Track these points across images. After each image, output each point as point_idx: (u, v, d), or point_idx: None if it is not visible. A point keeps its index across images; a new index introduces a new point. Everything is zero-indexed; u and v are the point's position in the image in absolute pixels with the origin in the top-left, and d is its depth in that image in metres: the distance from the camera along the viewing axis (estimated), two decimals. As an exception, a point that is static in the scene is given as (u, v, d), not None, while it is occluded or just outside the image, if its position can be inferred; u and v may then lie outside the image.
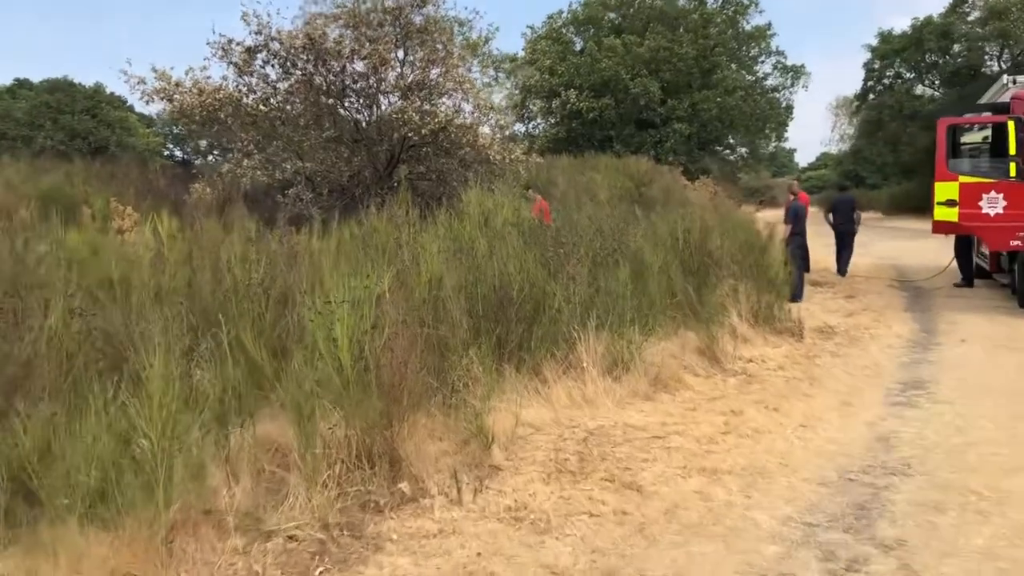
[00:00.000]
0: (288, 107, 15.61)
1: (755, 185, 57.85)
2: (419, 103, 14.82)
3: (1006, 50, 42.12)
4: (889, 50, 45.29)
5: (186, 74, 15.24)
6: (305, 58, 14.90)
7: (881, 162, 50.49)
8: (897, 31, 45.65)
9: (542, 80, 39.21)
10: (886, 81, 47.69)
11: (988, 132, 13.04)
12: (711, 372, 7.32)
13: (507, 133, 16.94)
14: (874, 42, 46.86)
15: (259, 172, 15.43)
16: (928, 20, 43.06)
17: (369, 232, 8.56)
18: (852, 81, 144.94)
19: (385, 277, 5.93)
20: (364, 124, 15.95)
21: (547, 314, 6.71)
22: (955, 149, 12.32)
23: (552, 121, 42.13)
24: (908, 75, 46.94)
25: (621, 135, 40.32)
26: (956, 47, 42.98)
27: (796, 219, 13.02)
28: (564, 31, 44.09)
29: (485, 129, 15.81)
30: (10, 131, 42.55)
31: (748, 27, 43.49)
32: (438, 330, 5.76)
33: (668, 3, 42.87)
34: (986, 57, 42.45)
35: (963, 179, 11.70)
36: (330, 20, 15.37)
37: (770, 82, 45.27)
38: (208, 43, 14.81)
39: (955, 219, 11.67)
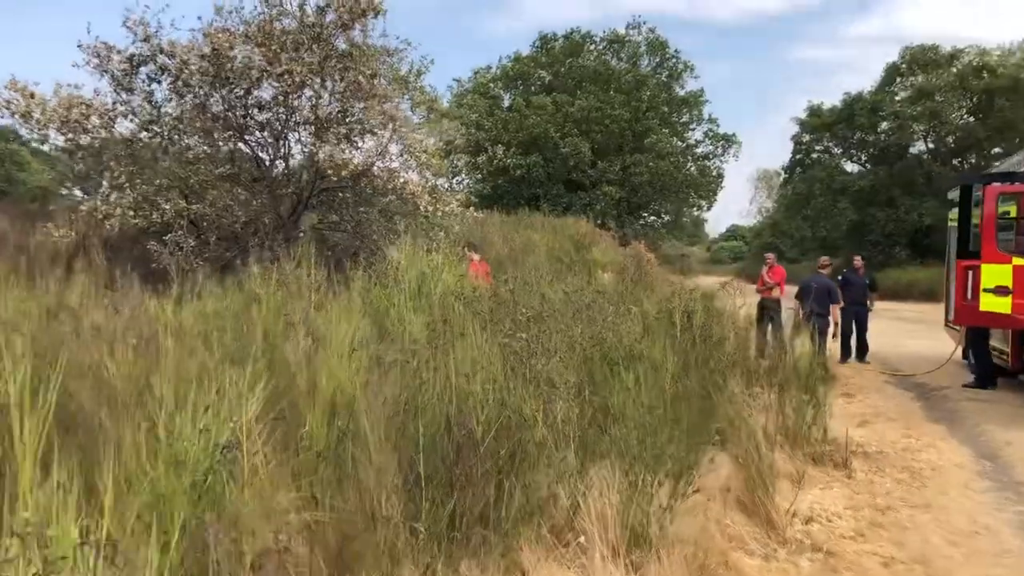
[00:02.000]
0: (175, 135, 12.77)
1: (673, 253, 56.60)
2: (336, 140, 12.20)
3: (932, 130, 42.00)
4: (819, 124, 44.86)
5: (55, 93, 12.29)
6: (201, 77, 12.17)
7: (800, 236, 49.98)
8: (827, 106, 45.32)
9: (468, 134, 37.02)
10: (814, 155, 47.33)
11: (1010, 205, 11.00)
12: (768, 545, 4.78)
13: (439, 182, 14.32)
14: (803, 115, 46.47)
15: (131, 212, 12.50)
16: (859, 96, 42.76)
17: (248, 301, 5.81)
18: (763, 153, 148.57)
19: (251, 400, 3.24)
20: (268, 162, 13.20)
21: (527, 458, 4.09)
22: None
23: (478, 177, 39.96)
24: (836, 150, 46.64)
25: (549, 194, 38.43)
26: (884, 124, 42.68)
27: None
28: (492, 86, 42.26)
29: (414, 175, 13.23)
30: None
31: (682, 92, 42.44)
32: (343, 508, 3.08)
33: (601, 63, 41.56)
34: (914, 136, 42.23)
35: (1018, 261, 9.54)
36: (236, 38, 12.62)
37: (701, 149, 44.23)
38: (80, 46, 11.93)
39: (1008, 311, 9.48)
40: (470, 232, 15.94)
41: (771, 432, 6.77)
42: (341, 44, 13.02)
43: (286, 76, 11.79)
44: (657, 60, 42.59)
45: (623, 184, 39.28)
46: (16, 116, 12.18)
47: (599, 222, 36.08)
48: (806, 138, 46.85)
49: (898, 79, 42.16)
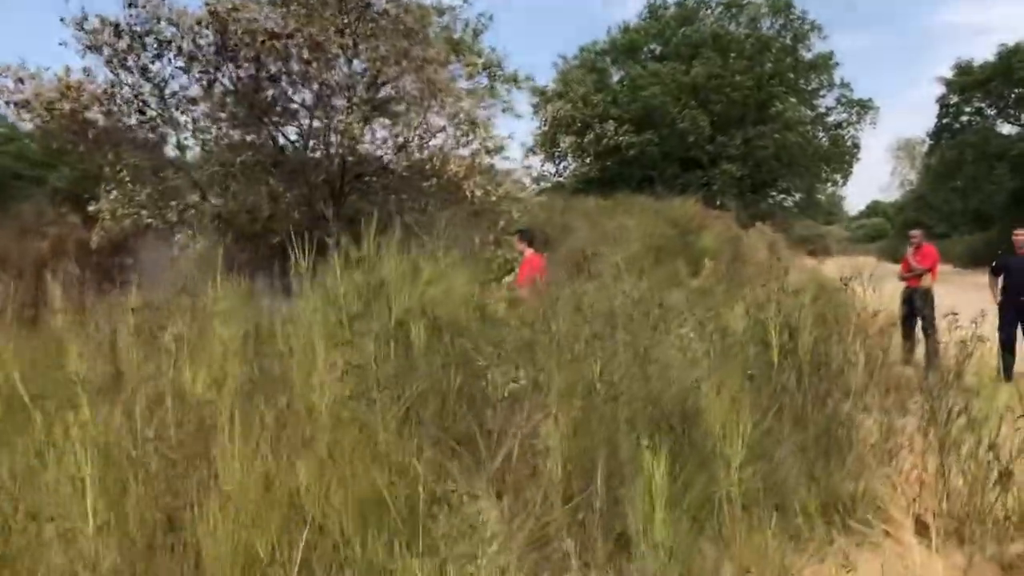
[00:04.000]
0: (184, 118, 11.01)
1: (806, 234, 51.99)
2: (366, 114, 10.11)
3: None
4: (970, 82, 39.83)
5: (61, 78, 10.69)
6: (207, 48, 10.37)
7: (949, 210, 44.99)
8: (978, 62, 40.20)
9: (574, 111, 34.35)
10: (964, 118, 42.24)
11: None
12: None
13: (494, 160, 11.79)
14: (949, 75, 41.48)
15: (144, 211, 10.85)
16: (1017, 47, 37.62)
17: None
18: (903, 125, 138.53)
19: None
20: (296, 144, 11.27)
21: None
22: None
23: (586, 160, 37.26)
24: (990, 111, 41.42)
25: (664, 175, 35.43)
26: (1049, 77, 37.43)
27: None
28: (599, 60, 39.37)
29: (462, 152, 10.89)
30: (25, 172, 39.24)
31: (809, 55, 38.43)
32: None
33: (719, 27, 38.05)
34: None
35: None
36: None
37: (833, 118, 40.04)
38: (63, 20, 10.26)
39: None
40: (547, 221, 13.63)
41: (929, 516, 4.22)
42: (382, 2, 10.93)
43: (298, 38, 9.78)
44: (781, 22, 38.68)
45: (745, 160, 35.83)
46: (11, 106, 10.66)
47: (719, 203, 32.91)
48: (954, 99, 41.82)
49: (1065, 24, 36.77)
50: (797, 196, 42.48)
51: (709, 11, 39.35)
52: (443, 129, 10.45)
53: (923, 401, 4.68)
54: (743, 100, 35.74)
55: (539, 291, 6.84)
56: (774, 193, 40.79)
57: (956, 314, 5.44)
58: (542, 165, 39.11)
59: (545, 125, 37.79)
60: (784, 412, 4.12)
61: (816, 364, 4.72)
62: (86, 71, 10.28)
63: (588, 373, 3.89)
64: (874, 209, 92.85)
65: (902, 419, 4.88)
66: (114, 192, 10.35)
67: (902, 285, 10.82)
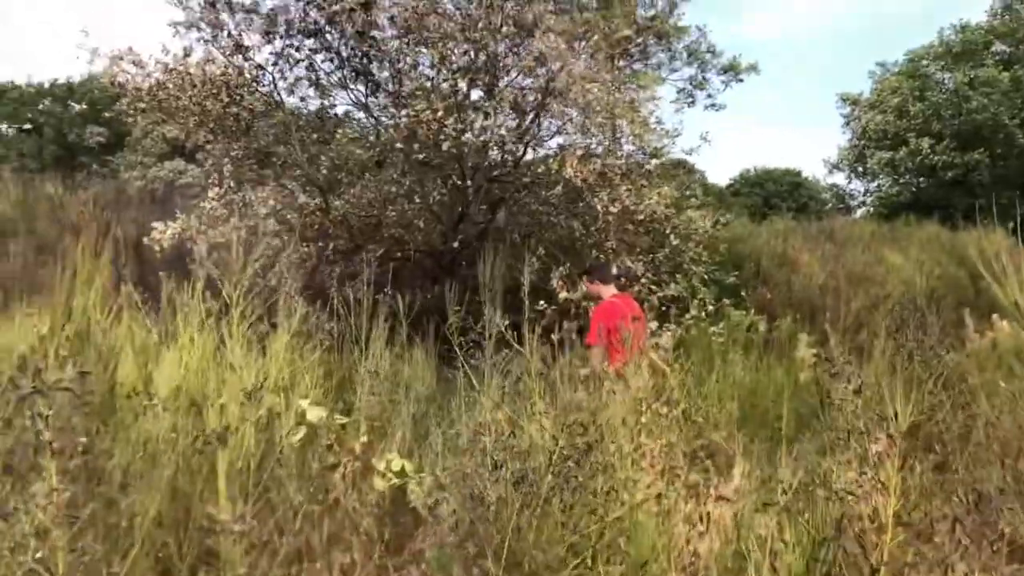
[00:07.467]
0: (290, 98, 9.45)
1: None
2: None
3: None
4: None
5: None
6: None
7: None
8: None
9: (885, 123, 29.01)
10: None
11: None
12: None
13: (654, 163, 8.49)
14: None
15: (264, 209, 9.27)
16: None
17: None
18: None
19: None
20: (393, 130, 9.14)
21: None
22: None
23: (899, 180, 31.52)
24: None
25: (998, 203, 28.92)
26: None
27: None
28: (926, 64, 32.90)
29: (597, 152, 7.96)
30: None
31: None
32: None
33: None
34: None
35: None
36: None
37: None
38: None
39: None
40: (759, 247, 10.39)
41: None
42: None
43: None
44: None
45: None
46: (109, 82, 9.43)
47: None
48: None
49: None
50: None
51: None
52: (568, 121, 7.71)
53: None
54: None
55: (623, 360, 4.26)
56: None
57: None
58: (848, 183, 34.20)
59: (855, 139, 32.84)
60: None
61: None
62: (187, 51, 8.95)
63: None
64: None
65: None
66: (213, 191, 8.90)
67: None
